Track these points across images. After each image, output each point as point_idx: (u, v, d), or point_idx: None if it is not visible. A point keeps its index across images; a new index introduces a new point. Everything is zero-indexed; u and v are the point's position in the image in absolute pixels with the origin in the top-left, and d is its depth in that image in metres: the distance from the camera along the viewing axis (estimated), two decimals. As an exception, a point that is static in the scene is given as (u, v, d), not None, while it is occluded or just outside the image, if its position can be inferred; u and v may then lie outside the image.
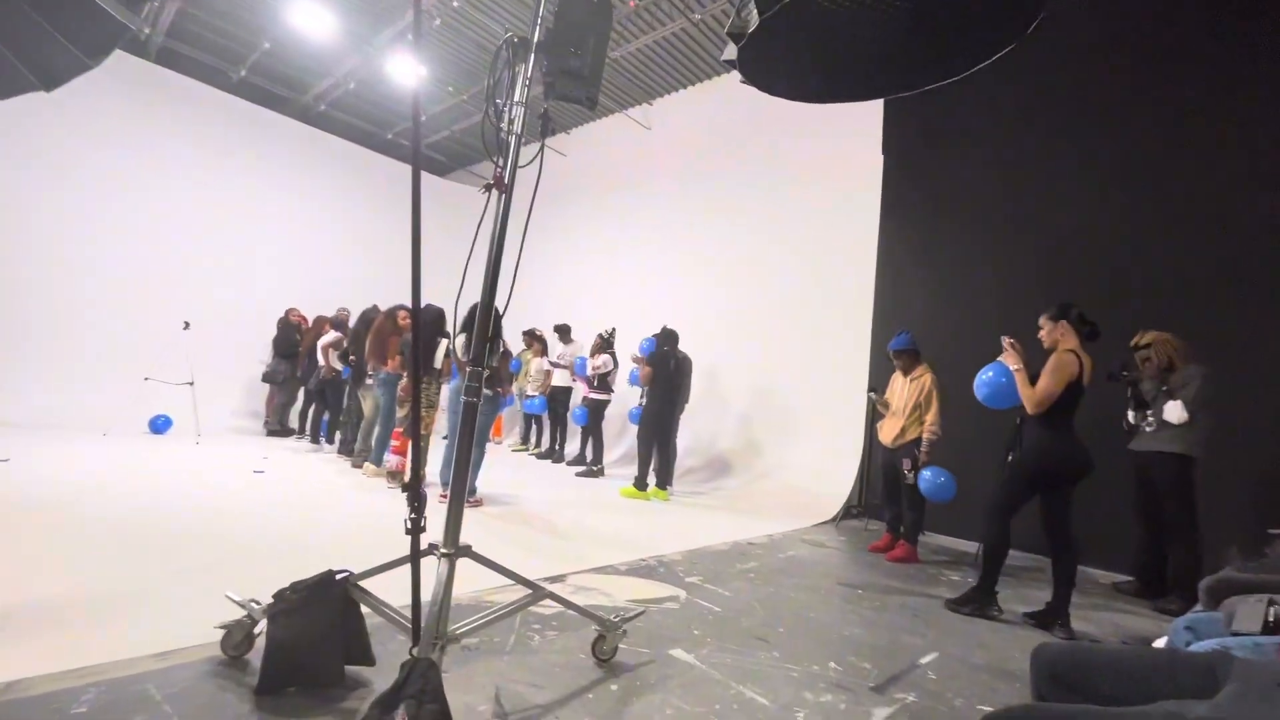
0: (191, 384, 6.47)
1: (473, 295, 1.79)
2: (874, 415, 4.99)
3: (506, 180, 1.77)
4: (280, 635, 1.64)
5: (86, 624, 1.96)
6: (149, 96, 8.04)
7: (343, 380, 6.53)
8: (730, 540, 4.08)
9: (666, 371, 5.70)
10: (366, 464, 5.32)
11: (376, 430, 5.35)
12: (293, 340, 7.56)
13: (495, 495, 4.78)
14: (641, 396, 6.00)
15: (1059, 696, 1.14)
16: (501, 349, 4.52)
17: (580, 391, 7.10)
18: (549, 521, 4.18)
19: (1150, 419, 3.53)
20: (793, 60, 2.34)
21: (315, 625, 1.67)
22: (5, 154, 6.89)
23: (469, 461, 1.73)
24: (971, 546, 4.31)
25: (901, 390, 4.23)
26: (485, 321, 1.74)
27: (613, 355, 6.74)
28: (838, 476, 5.61)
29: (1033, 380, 2.88)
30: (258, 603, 1.78)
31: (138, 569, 2.50)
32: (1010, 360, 3.01)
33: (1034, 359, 2.99)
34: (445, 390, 4.90)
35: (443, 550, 1.67)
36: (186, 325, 6.54)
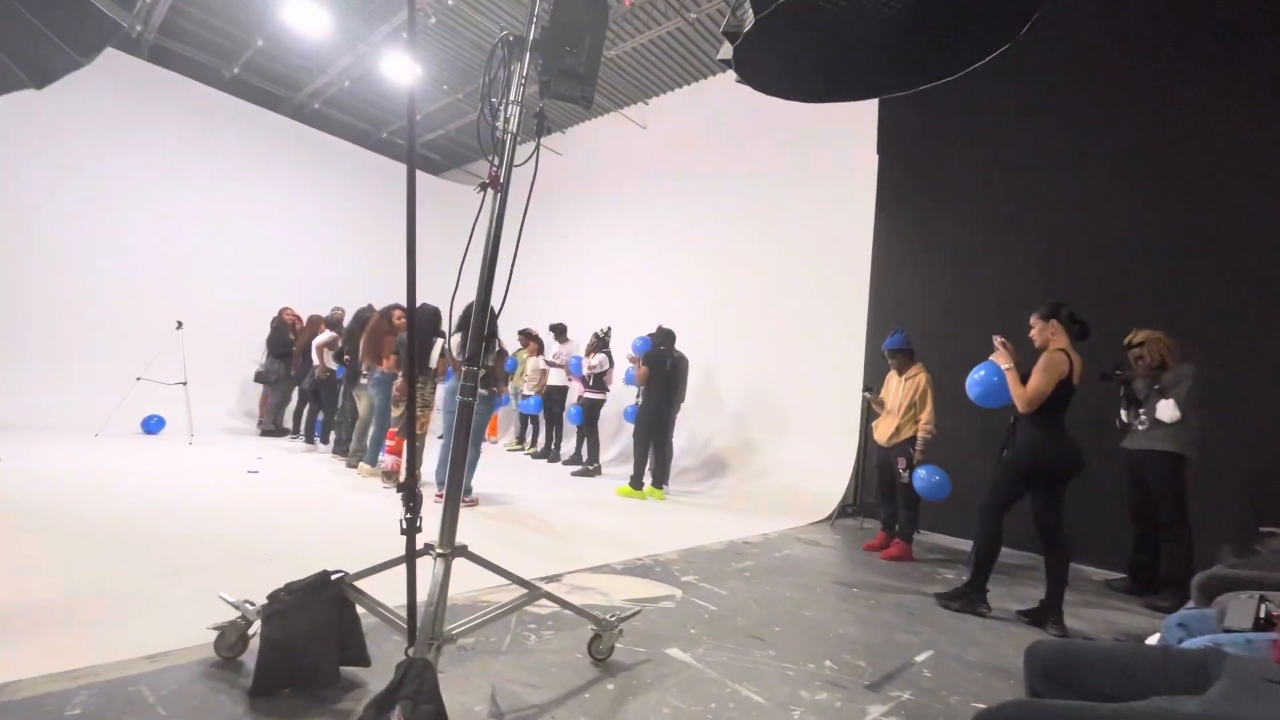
0: (185, 384, 6.43)
1: (468, 294, 1.78)
2: (869, 414, 5.00)
3: (502, 179, 1.77)
4: (275, 636, 1.63)
5: (78, 625, 1.94)
6: (141, 95, 7.99)
7: (337, 380, 6.51)
8: (726, 539, 4.09)
9: (663, 371, 5.70)
10: (361, 464, 5.30)
11: (371, 430, 5.34)
12: (287, 340, 7.52)
13: (491, 495, 4.77)
14: (637, 395, 6.00)
15: (1052, 693, 1.15)
16: (497, 348, 4.51)
17: (576, 391, 7.10)
18: (545, 521, 4.18)
19: (1143, 418, 3.55)
20: (788, 60, 2.34)
21: (310, 626, 1.67)
22: (-5, 152, 6.84)
23: (464, 461, 1.72)
24: (966, 545, 4.33)
25: (896, 389, 4.24)
26: (481, 321, 1.73)
27: (608, 355, 6.74)
28: (833, 475, 5.62)
29: (1024, 379, 2.90)
30: (252, 604, 1.77)
31: (130, 570, 2.48)
32: (1001, 359, 3.03)
33: (1026, 358, 3.01)
34: (441, 390, 4.89)
35: (438, 550, 1.67)
36: (180, 325, 6.50)
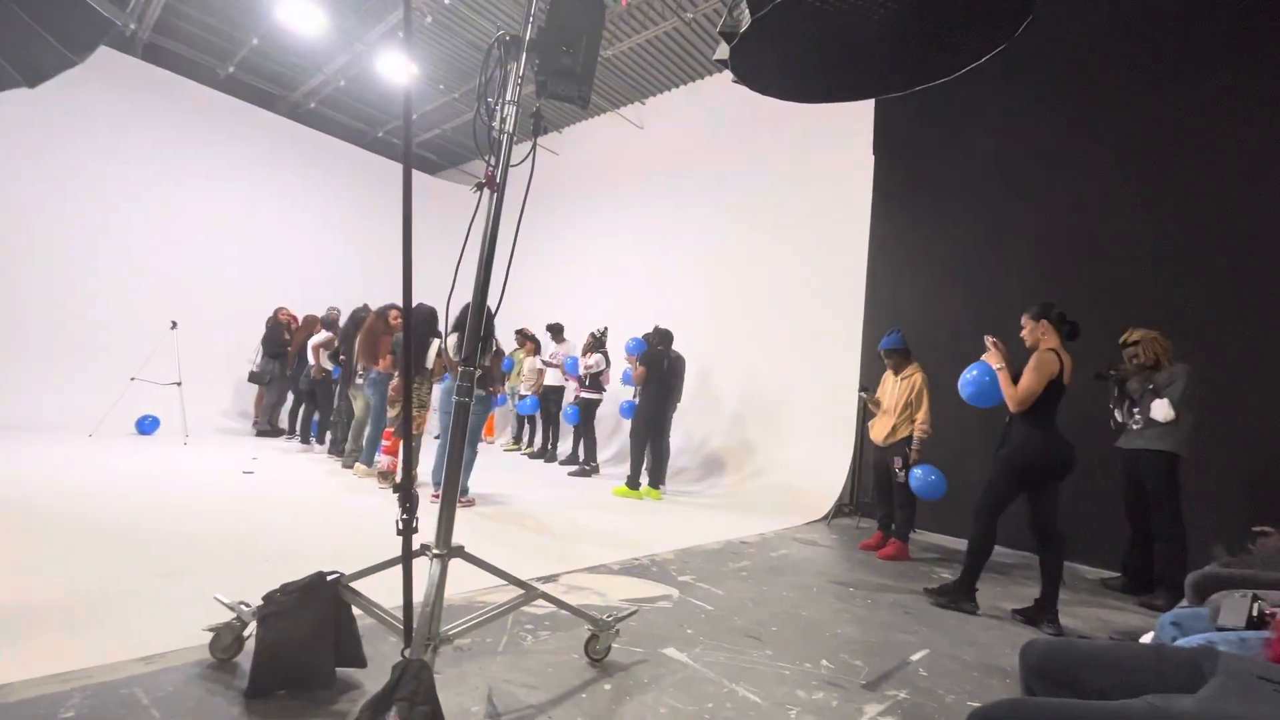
0: (179, 384, 6.40)
1: (464, 294, 1.78)
2: (865, 414, 5.02)
3: (498, 179, 1.76)
4: (270, 638, 1.63)
5: (72, 627, 1.93)
6: (135, 94, 7.95)
7: (333, 380, 6.49)
8: (723, 539, 4.09)
9: (660, 371, 5.70)
10: (357, 464, 5.29)
11: (367, 430, 5.32)
12: (282, 340, 7.49)
13: (487, 495, 4.76)
14: (635, 394, 6.00)
15: (1047, 691, 1.15)
16: (495, 348, 4.50)
17: (573, 391, 7.10)
18: (541, 521, 4.17)
19: (1137, 417, 3.57)
20: (785, 60, 2.35)
21: (305, 627, 1.66)
22: (-13, 151, 6.80)
23: (461, 461, 1.72)
24: (962, 544, 4.33)
25: (892, 389, 4.25)
26: (477, 320, 1.73)
27: (605, 354, 6.74)
28: (829, 475, 5.63)
29: (1015, 379, 2.92)
30: (247, 605, 1.77)
31: (124, 571, 2.47)
32: (993, 359, 3.05)
33: (1019, 358, 3.03)
34: (437, 390, 4.88)
35: (435, 551, 1.67)
36: (174, 325, 6.47)
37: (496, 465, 6.65)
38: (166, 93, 8.22)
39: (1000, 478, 2.95)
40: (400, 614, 1.50)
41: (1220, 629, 1.44)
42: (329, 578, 1.77)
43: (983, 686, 2.12)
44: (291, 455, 6.23)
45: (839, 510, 5.30)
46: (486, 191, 1.77)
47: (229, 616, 1.78)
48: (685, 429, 6.84)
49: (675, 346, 5.93)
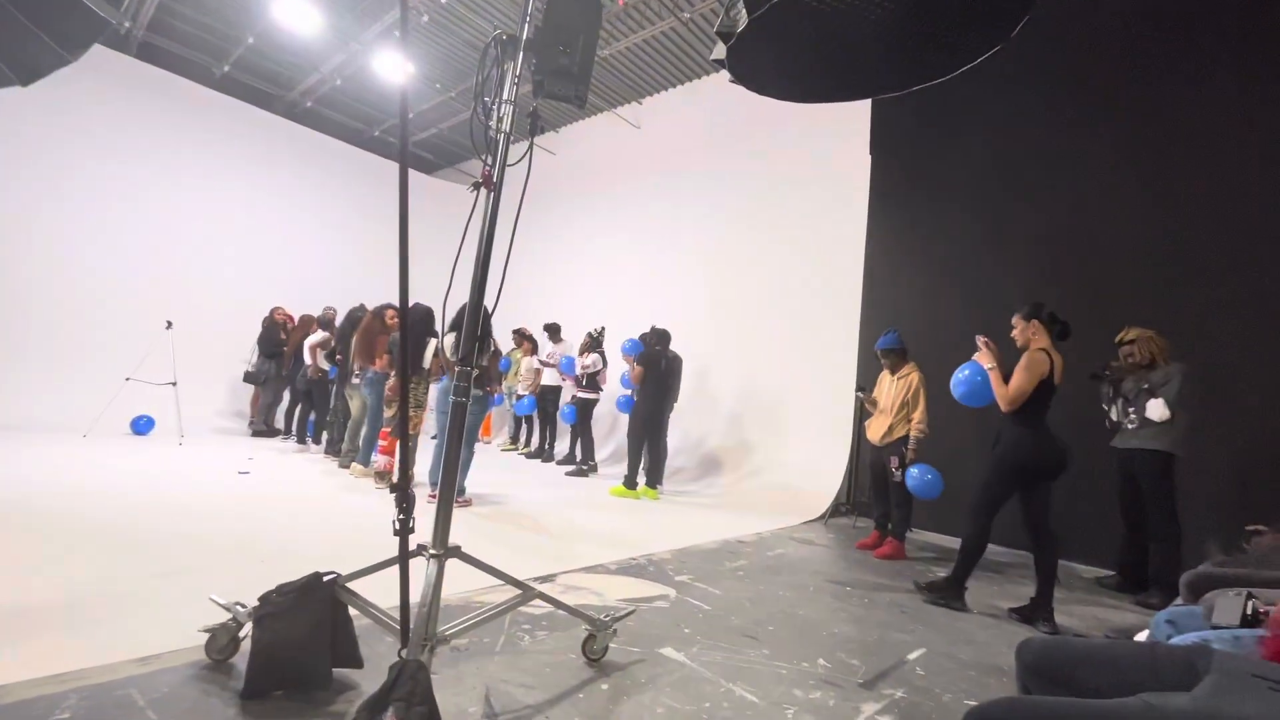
0: (174, 384, 6.38)
1: (461, 294, 1.78)
2: (862, 414, 5.02)
3: (495, 178, 1.76)
4: (266, 638, 1.62)
5: (67, 628, 1.92)
6: (130, 93, 7.91)
7: (329, 380, 6.47)
8: (720, 539, 4.10)
9: (658, 371, 5.71)
10: (354, 464, 5.28)
11: (364, 430, 5.31)
12: (278, 340, 7.47)
13: (484, 495, 4.76)
14: (633, 393, 6.00)
15: (1043, 690, 1.16)
16: (492, 348, 4.50)
17: (570, 390, 7.09)
18: (538, 521, 4.17)
19: (1133, 416, 3.58)
20: (782, 60, 2.35)
21: (302, 628, 1.66)
22: (-20, 150, 6.76)
23: (458, 461, 1.71)
24: (958, 543, 4.35)
25: (889, 389, 4.26)
26: (474, 320, 1.73)
27: (602, 354, 6.73)
28: (826, 475, 5.64)
29: (1006, 379, 2.93)
30: (243, 606, 1.76)
31: (119, 572, 2.46)
32: (984, 359, 3.06)
33: (1011, 359, 3.04)
34: (434, 390, 4.87)
35: (431, 551, 1.66)
36: (169, 324, 6.44)
37: (493, 465, 6.64)
38: (162, 92, 8.18)
39: (993, 478, 2.97)
40: (397, 614, 1.49)
41: (1215, 627, 1.45)
42: (325, 578, 1.76)
43: (979, 685, 2.12)
44: (288, 455, 6.21)
45: (836, 510, 5.31)
46: (483, 191, 1.77)
47: (225, 617, 1.78)
48: (682, 429, 6.84)
49: (673, 346, 5.94)
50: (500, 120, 1.79)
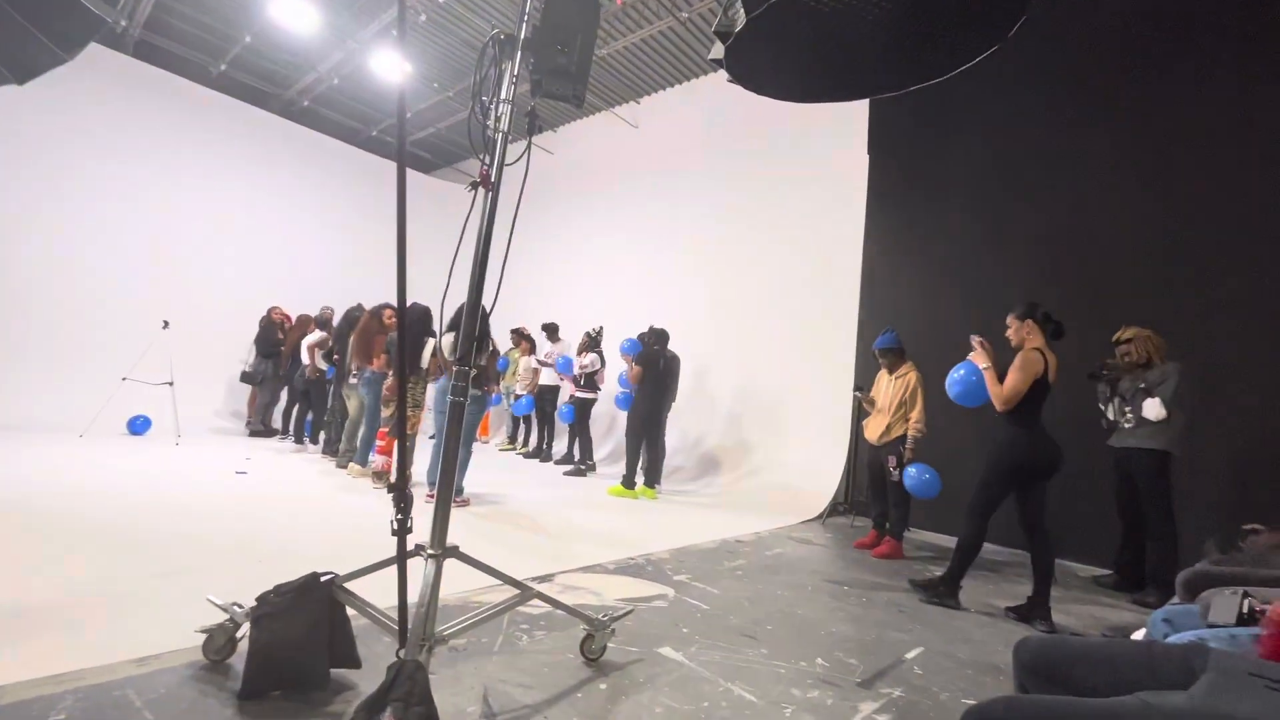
0: (171, 384, 6.36)
1: (459, 294, 1.78)
2: (860, 413, 5.03)
3: (493, 178, 1.76)
4: (264, 639, 1.62)
5: (63, 629, 1.92)
6: (126, 92, 7.88)
7: (327, 380, 6.46)
8: (718, 538, 4.10)
9: (656, 370, 5.71)
10: (351, 464, 5.27)
11: (361, 430, 5.30)
12: (275, 339, 7.45)
13: (482, 495, 4.75)
14: (633, 392, 6.00)
15: (1040, 688, 1.16)
16: (490, 348, 4.49)
17: (568, 390, 7.09)
18: (536, 521, 4.17)
19: (1129, 415, 3.59)
20: (780, 59, 2.35)
21: (299, 628, 1.65)
22: (-25, 149, 6.73)
23: (456, 461, 1.71)
24: (955, 542, 4.37)
25: (887, 388, 4.27)
26: (472, 320, 1.73)
27: (600, 354, 6.73)
28: (824, 474, 5.65)
29: (1001, 378, 2.94)
30: (240, 606, 1.76)
31: (116, 572, 2.45)
32: (979, 359, 3.07)
33: (1007, 359, 3.04)
34: (431, 389, 4.87)
35: (429, 551, 1.66)
36: (166, 324, 6.42)
37: (491, 465, 6.64)
38: (158, 91, 8.15)
39: (990, 477, 2.98)
40: (395, 614, 1.49)
41: (1211, 626, 1.46)
42: (323, 578, 1.76)
43: (977, 684, 2.13)
44: (285, 455, 6.20)
45: (834, 509, 5.32)
46: (481, 190, 1.76)
47: (222, 618, 1.77)
48: (681, 428, 6.85)
49: (671, 346, 5.94)
50: (498, 119, 1.79)
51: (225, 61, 8.63)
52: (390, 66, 7.82)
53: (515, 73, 1.82)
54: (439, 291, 1.82)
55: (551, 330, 7.57)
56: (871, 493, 4.41)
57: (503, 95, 1.80)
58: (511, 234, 1.83)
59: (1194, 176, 4.12)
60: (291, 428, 7.24)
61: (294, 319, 7.45)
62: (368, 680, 1.70)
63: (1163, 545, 3.43)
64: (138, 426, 6.53)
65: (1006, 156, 4.99)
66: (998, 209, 5.02)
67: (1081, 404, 3.91)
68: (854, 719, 1.80)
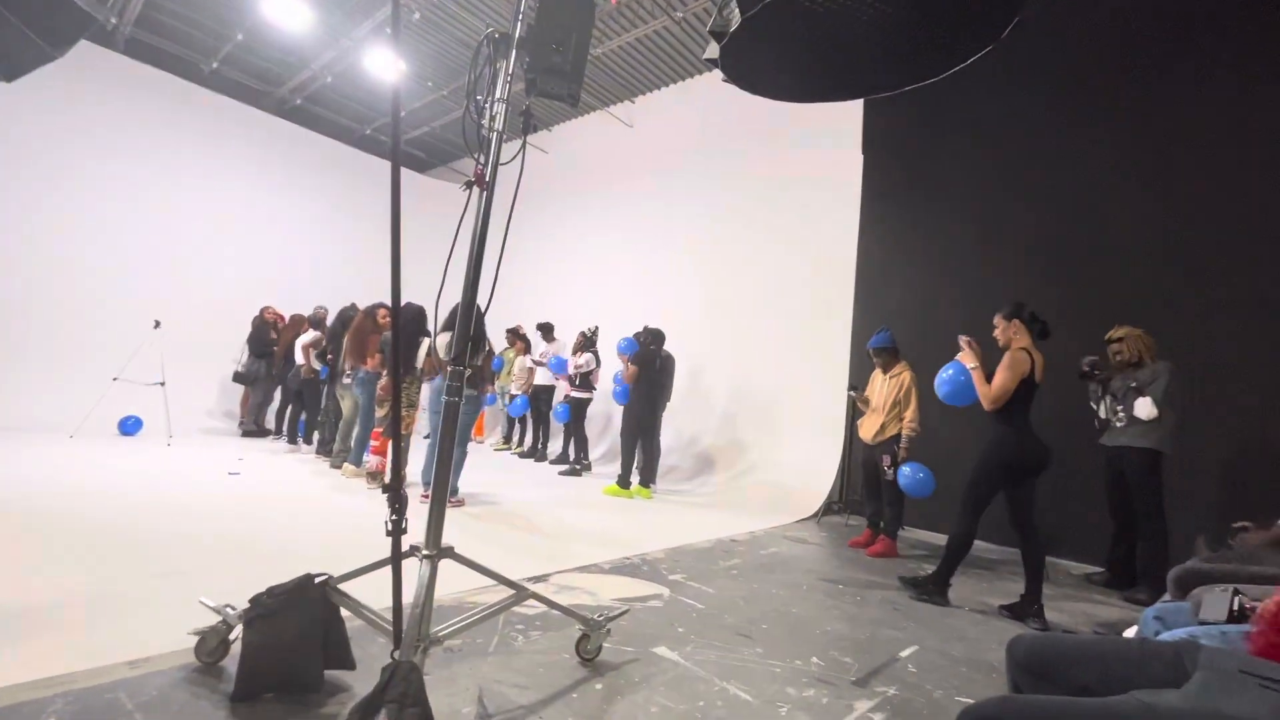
0: (163, 384, 6.31)
1: (454, 293, 1.77)
2: (854, 412, 5.04)
3: (488, 177, 1.75)
4: (257, 641, 1.61)
5: (54, 631, 1.90)
6: (117, 90, 7.81)
7: (321, 380, 6.43)
8: (713, 538, 4.10)
9: (651, 370, 5.71)
10: (346, 465, 5.24)
11: (355, 430, 5.28)
12: (268, 339, 7.41)
13: (477, 495, 4.74)
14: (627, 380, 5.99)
15: (1034, 687, 1.16)
16: (486, 347, 4.48)
17: (563, 390, 7.08)
18: (531, 521, 4.16)
19: (1121, 414, 3.62)
20: (774, 59, 2.35)
21: (293, 630, 1.64)
22: (-36, 147, 6.67)
23: (451, 461, 1.71)
24: (949, 541, 4.39)
25: (881, 388, 4.28)
26: (467, 319, 1.72)
27: (595, 354, 6.73)
28: (819, 473, 5.66)
29: (989, 378, 2.96)
30: (233, 608, 1.75)
31: (107, 574, 2.43)
32: (967, 359, 3.10)
33: (995, 358, 3.06)
34: (426, 389, 4.85)
35: (424, 552, 1.66)
36: (157, 324, 6.38)
37: (486, 465, 6.62)
38: (149, 89, 8.09)
39: (979, 476, 2.99)
40: (389, 615, 1.48)
41: (1202, 623, 1.47)
42: (317, 580, 1.75)
43: (970, 682, 2.14)
44: (278, 456, 6.16)
45: (828, 508, 5.34)
46: (476, 190, 1.76)
47: (215, 619, 1.76)
48: (676, 428, 6.85)
49: (666, 346, 5.94)
50: (493, 119, 1.78)
51: (217, 59, 8.58)
52: (384, 65, 7.79)
53: (510, 71, 1.81)
54: (434, 291, 1.82)
55: (547, 330, 7.56)
56: (866, 492, 4.42)
57: (497, 94, 1.79)
58: (506, 233, 1.83)
59: (1194, 176, 4.13)
60: (285, 428, 7.19)
61: (287, 318, 7.41)
62: (362, 682, 1.69)
63: (1154, 543, 3.46)
64: (128, 427, 6.48)
65: (1005, 156, 5.00)
66: (995, 209, 5.03)
67: (1071, 404, 3.93)
68: (849, 717, 1.81)
